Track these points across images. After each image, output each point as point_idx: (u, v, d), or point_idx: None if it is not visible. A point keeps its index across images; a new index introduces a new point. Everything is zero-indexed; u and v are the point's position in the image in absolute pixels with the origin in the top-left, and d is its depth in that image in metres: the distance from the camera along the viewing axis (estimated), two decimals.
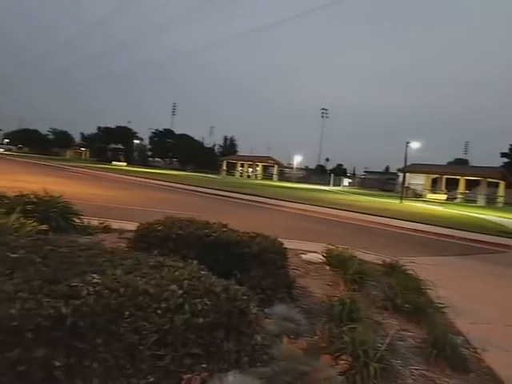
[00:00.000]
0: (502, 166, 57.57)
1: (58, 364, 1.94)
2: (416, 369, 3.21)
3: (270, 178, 69.88)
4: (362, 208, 19.63)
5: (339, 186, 63.42)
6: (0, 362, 1.87)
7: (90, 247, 3.21)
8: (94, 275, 2.42)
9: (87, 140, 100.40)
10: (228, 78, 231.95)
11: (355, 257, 5.75)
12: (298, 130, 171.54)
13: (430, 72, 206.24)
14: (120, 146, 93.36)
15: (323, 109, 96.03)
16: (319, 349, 3.18)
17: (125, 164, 69.60)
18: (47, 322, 1.96)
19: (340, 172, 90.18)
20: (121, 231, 6.36)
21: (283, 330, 3.23)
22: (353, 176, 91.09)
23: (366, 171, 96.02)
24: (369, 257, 6.86)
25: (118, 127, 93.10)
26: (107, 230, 6.73)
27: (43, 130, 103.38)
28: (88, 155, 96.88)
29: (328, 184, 62.01)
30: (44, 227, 5.30)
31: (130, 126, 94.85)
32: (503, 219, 22.00)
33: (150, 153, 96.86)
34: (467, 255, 9.97)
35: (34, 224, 5.19)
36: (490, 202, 46.10)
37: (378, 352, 2.93)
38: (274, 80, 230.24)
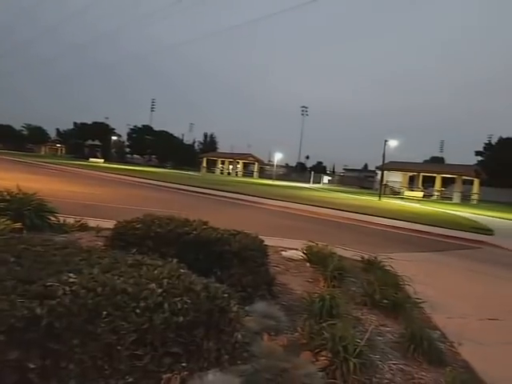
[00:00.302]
0: (477, 164, 59.11)
1: (32, 366, 1.88)
2: (394, 363, 3.26)
3: (251, 175, 69.95)
4: (342, 205, 19.84)
5: (319, 183, 63.91)
6: None
7: (65, 246, 3.14)
8: (70, 274, 2.36)
9: (63, 136, 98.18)
10: (209, 73, 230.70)
11: (335, 253, 5.80)
12: (279, 127, 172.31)
13: (410, 74, 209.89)
14: (97, 143, 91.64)
15: (303, 107, 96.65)
16: (299, 345, 3.19)
17: (102, 161, 68.38)
18: (21, 323, 1.90)
19: (320, 169, 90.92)
20: (98, 229, 6.25)
21: (264, 328, 3.23)
22: (332, 173, 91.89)
23: (345, 169, 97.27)
24: (348, 253, 6.94)
25: (95, 123, 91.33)
26: (84, 228, 6.60)
27: (17, 125, 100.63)
28: (64, 152, 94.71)
29: (308, 181, 62.43)
30: (18, 225, 5.16)
31: (107, 122, 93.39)
32: (478, 216, 22.59)
33: (128, 149, 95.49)
34: (443, 251, 10.20)
35: (8, 222, 5.04)
36: (465, 199, 47.27)
37: (357, 347, 2.96)
38: (255, 77, 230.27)
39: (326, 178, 71.57)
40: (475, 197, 48.69)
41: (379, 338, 3.73)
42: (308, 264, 5.96)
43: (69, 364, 1.98)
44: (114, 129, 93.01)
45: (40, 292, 2.10)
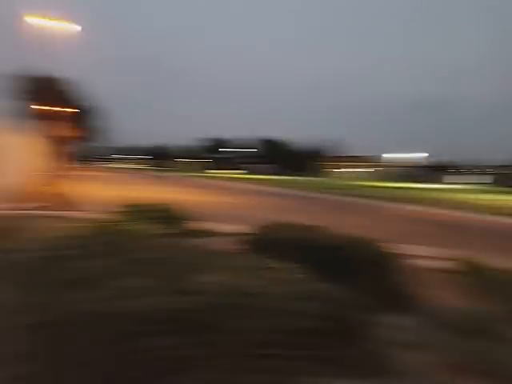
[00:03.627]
0: None
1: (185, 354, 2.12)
2: None
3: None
4: None
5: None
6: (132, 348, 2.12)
7: (210, 249, 3.48)
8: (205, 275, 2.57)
9: None
10: None
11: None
12: None
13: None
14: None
15: None
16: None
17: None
18: (177, 315, 2.18)
19: None
20: (235, 235, 6.65)
21: (397, 340, 3.08)
22: None
23: None
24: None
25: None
26: (212, 233, 7.04)
27: None
28: None
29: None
30: (171, 231, 5.82)
31: None
32: None
33: None
34: None
35: (161, 228, 5.72)
36: None
37: None
38: None
39: None
40: None
41: None
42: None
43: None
44: None
45: (191, 288, 2.36)
